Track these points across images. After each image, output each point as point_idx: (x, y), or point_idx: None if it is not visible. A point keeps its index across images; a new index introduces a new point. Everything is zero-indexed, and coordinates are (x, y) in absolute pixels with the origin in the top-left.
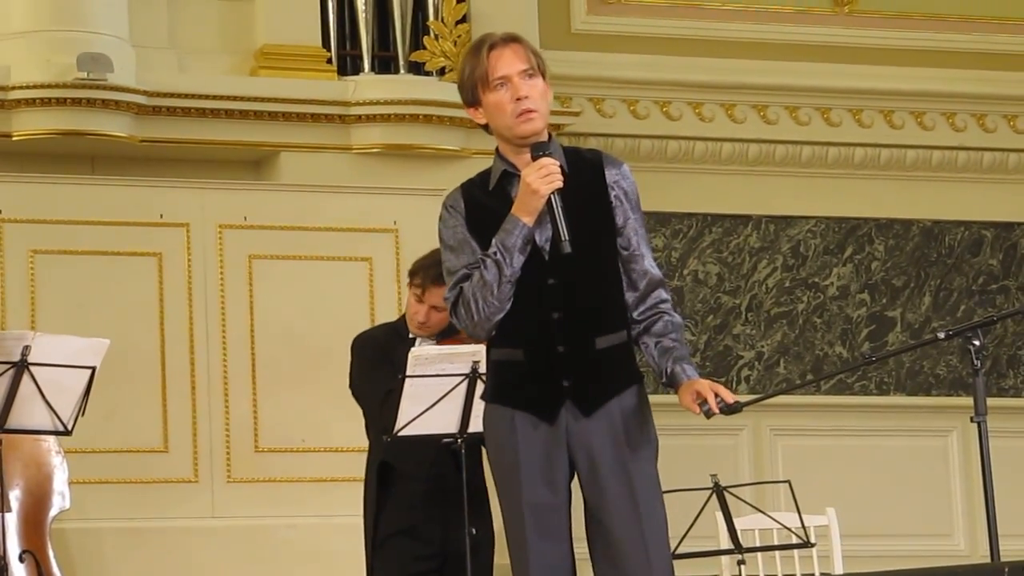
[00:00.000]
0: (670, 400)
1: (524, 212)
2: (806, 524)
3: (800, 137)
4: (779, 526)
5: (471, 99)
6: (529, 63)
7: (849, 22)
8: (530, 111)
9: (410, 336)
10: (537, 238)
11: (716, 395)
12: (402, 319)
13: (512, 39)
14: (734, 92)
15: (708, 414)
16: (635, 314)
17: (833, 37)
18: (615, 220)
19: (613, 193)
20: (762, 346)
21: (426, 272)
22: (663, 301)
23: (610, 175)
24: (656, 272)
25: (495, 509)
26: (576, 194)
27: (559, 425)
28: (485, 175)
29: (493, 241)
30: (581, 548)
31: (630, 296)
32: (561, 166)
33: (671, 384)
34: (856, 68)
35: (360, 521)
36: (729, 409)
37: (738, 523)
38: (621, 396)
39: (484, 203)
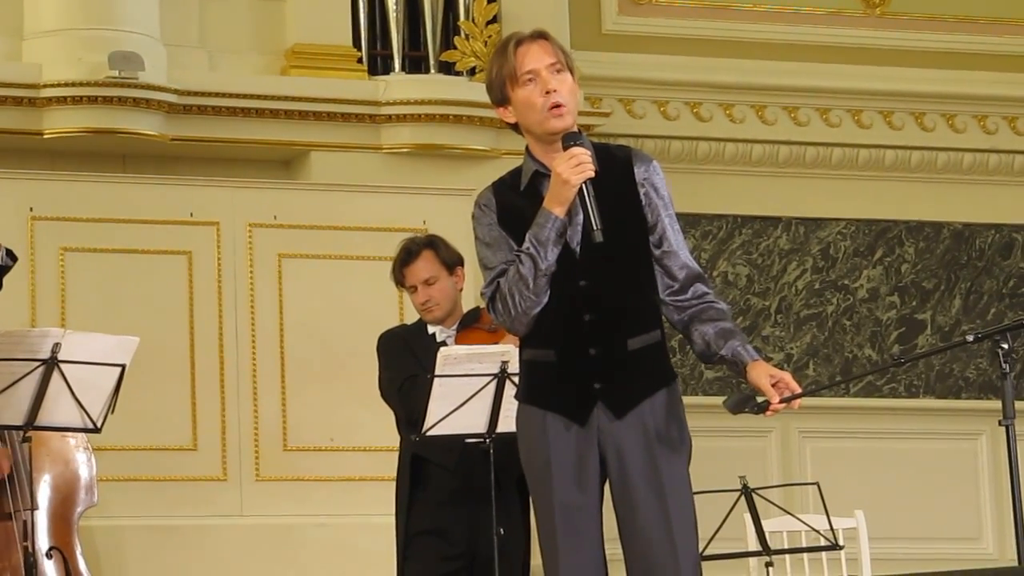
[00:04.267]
0: (699, 401)
1: (556, 203)
2: (834, 526)
3: (831, 139)
4: (807, 528)
5: (500, 97)
6: (557, 58)
7: (881, 24)
8: (560, 105)
9: (430, 332)
10: (568, 239)
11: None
12: (422, 320)
13: (539, 35)
14: (765, 94)
15: (760, 409)
16: (678, 305)
17: (865, 39)
18: (646, 218)
19: (643, 190)
20: (791, 348)
21: (395, 269)
22: (707, 293)
23: (639, 172)
24: (695, 266)
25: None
26: (606, 191)
27: (591, 426)
28: (516, 174)
29: (527, 236)
30: (615, 548)
31: (670, 290)
32: (592, 158)
33: (734, 364)
34: (887, 70)
35: (388, 520)
36: (758, 408)
37: (766, 525)
38: (653, 397)
39: (515, 203)
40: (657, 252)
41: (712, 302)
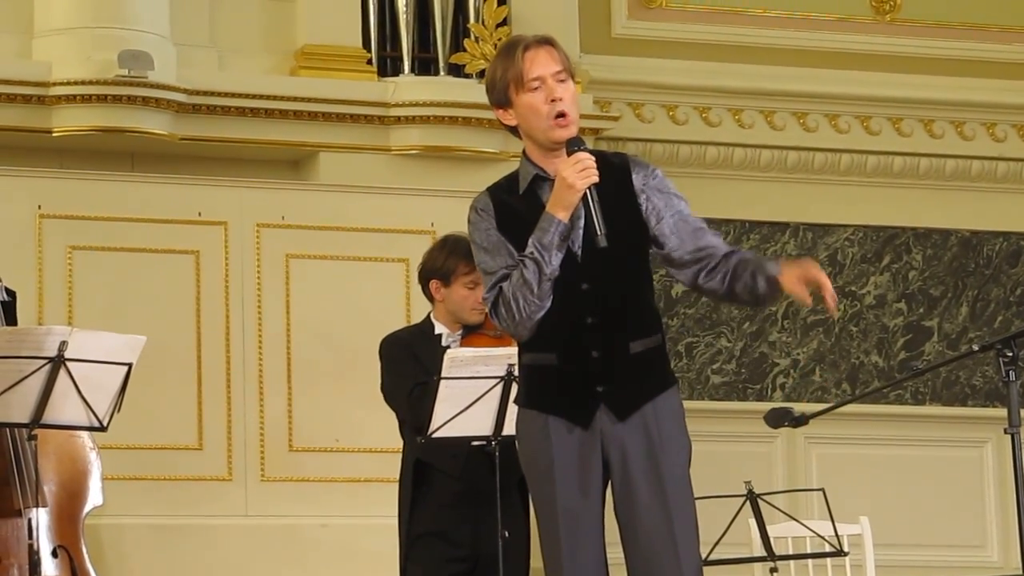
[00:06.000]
0: (703, 406)
1: (559, 208)
2: (839, 533)
3: (839, 145)
4: (812, 534)
5: (502, 100)
6: (563, 66)
7: (891, 31)
8: (565, 114)
9: (436, 333)
10: (571, 243)
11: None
12: (427, 320)
13: (545, 41)
14: (774, 99)
15: (798, 423)
16: (722, 274)
17: (874, 45)
18: (646, 223)
19: (643, 196)
20: (798, 354)
21: (451, 261)
22: (732, 251)
23: (638, 180)
24: (719, 242)
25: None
26: (606, 197)
27: (594, 429)
28: (511, 179)
29: (530, 241)
30: (615, 553)
31: (709, 268)
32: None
33: (772, 290)
34: (897, 77)
35: (392, 522)
36: (796, 422)
37: (771, 530)
38: (655, 400)
39: (514, 207)
40: (675, 240)
41: (735, 254)
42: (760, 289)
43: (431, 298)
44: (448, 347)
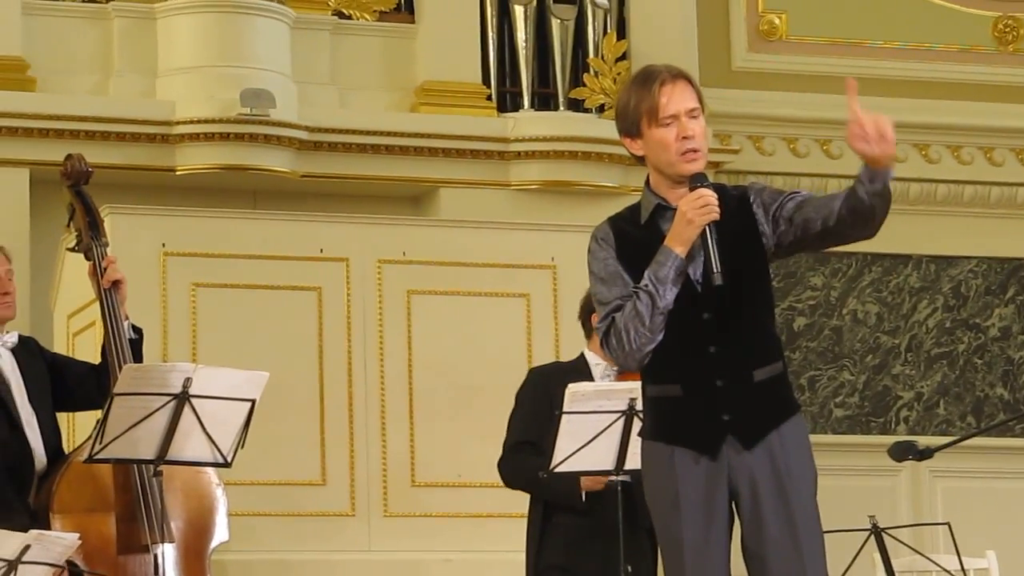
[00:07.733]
0: (828, 440)
1: (677, 243)
2: (966, 567)
3: (962, 176)
4: (938, 569)
5: (632, 130)
6: (696, 103)
7: (1013, 61)
8: (695, 151)
9: (594, 364)
10: (691, 272)
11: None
12: (580, 358)
13: (680, 75)
14: (896, 130)
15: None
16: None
17: (996, 76)
18: (766, 253)
19: (759, 212)
20: (922, 387)
21: None
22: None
23: (755, 203)
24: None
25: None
26: (726, 232)
27: (720, 460)
28: (633, 209)
29: (645, 273)
30: None
31: (833, 216)
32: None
33: (861, 180)
34: (1020, 107)
35: (515, 557)
36: (920, 455)
37: (896, 565)
38: (780, 428)
39: (635, 236)
40: (799, 216)
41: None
42: (859, 191)
43: (590, 332)
44: (603, 379)
